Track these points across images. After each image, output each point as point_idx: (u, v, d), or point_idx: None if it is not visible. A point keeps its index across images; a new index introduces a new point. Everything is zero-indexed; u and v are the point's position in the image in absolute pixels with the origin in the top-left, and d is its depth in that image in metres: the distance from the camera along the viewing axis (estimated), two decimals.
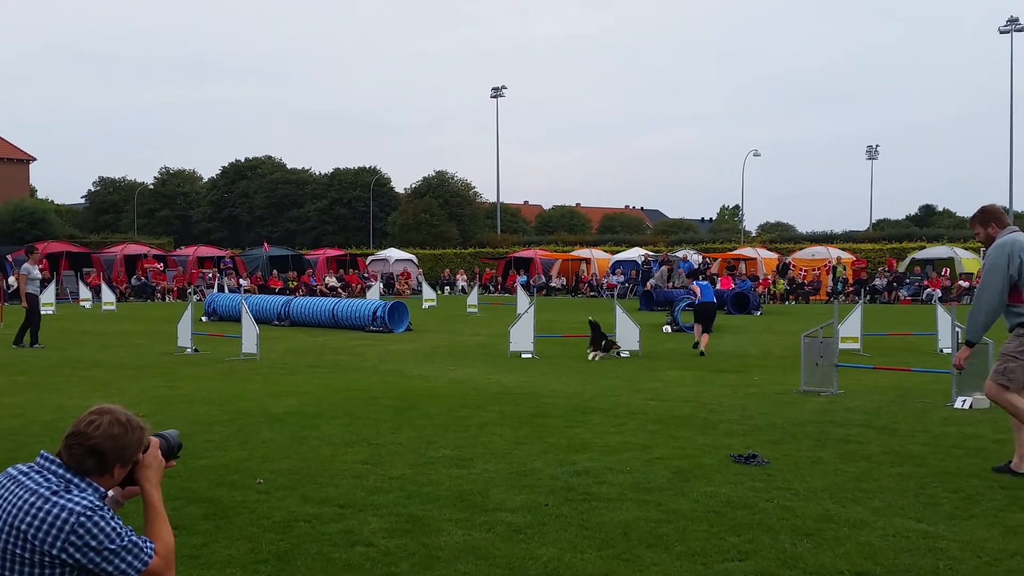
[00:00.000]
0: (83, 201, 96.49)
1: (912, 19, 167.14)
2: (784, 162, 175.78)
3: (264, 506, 6.42)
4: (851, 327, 16.74)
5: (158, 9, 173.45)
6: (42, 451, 2.89)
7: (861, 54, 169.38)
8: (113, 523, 2.74)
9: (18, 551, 2.69)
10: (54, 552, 2.66)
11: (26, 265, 18.71)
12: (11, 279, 36.86)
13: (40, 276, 19.06)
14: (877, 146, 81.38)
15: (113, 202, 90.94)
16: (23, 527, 2.70)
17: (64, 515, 2.68)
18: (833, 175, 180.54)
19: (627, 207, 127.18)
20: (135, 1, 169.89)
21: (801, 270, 42.01)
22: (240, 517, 6.16)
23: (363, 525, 5.96)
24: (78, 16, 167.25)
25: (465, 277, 50.00)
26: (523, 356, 16.13)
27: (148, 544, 2.84)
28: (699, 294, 18.19)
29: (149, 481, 2.99)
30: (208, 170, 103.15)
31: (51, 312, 28.71)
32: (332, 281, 43.42)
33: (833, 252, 43.28)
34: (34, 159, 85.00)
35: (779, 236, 68.80)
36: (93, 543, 2.67)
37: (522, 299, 28.26)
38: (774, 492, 6.77)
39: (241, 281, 40.64)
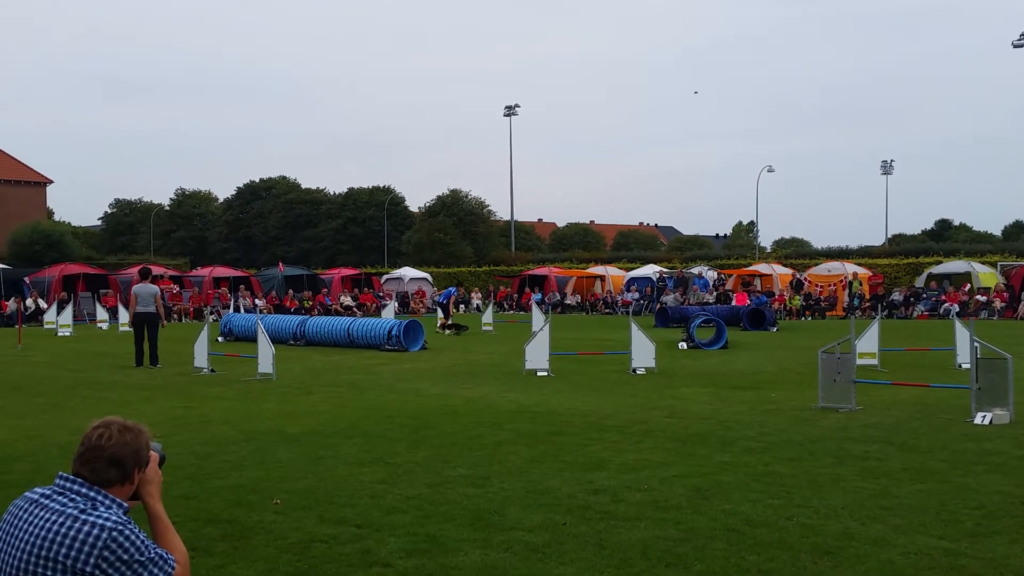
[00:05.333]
0: (100, 223, 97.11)
1: (926, 34, 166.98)
2: (799, 178, 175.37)
3: (281, 527, 6.41)
4: (868, 343, 16.66)
5: (174, 32, 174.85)
6: (60, 472, 2.90)
7: (875, 70, 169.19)
8: (141, 536, 2.79)
9: (48, 573, 2.71)
10: (88, 570, 2.68)
11: (136, 287, 19.15)
12: (28, 300, 37.12)
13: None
14: (892, 161, 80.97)
15: (129, 224, 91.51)
16: (53, 548, 2.72)
17: (96, 531, 2.72)
18: (848, 190, 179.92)
19: (641, 224, 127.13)
20: (151, 24, 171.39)
21: (817, 286, 41.82)
22: (257, 538, 6.16)
23: (380, 545, 5.94)
24: (95, 39, 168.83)
25: (480, 295, 49.99)
26: (539, 374, 16.09)
27: (169, 555, 2.87)
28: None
29: (152, 496, 3.03)
30: (223, 191, 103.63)
31: (68, 334, 28.88)
32: (347, 300, 43.47)
33: (849, 267, 43.07)
34: (51, 182, 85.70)
35: (794, 252, 68.51)
36: (125, 556, 2.72)
37: (537, 317, 28.25)
38: (793, 510, 6.72)
39: (256, 301, 40.73)
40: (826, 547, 5.82)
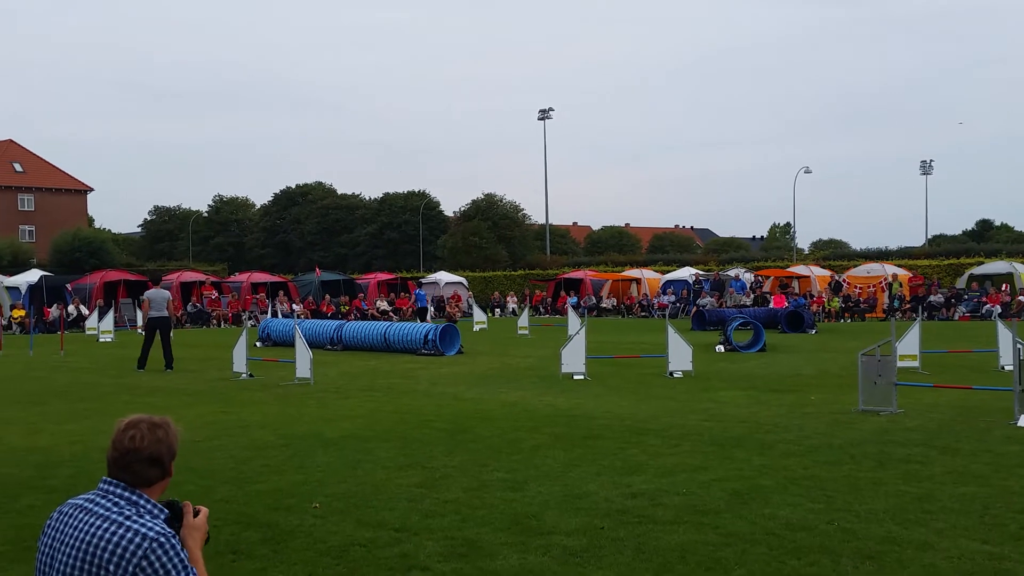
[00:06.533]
0: (139, 230, 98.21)
1: (964, 35, 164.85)
2: (836, 179, 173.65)
3: (320, 530, 6.45)
4: (909, 345, 16.47)
5: (210, 41, 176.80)
6: (104, 477, 2.92)
7: (914, 70, 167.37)
8: (182, 554, 2.76)
9: None
10: (119, 575, 2.68)
11: (149, 292, 19.84)
12: (70, 307, 37.66)
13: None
14: (931, 161, 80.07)
15: (168, 230, 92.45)
16: (96, 552, 2.73)
17: (138, 540, 2.71)
18: (887, 191, 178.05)
19: (677, 227, 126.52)
20: (188, 34, 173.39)
21: (856, 287, 41.39)
22: (297, 541, 6.20)
23: (419, 549, 5.96)
24: (134, 51, 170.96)
25: (515, 299, 49.98)
26: (575, 377, 16.07)
27: None
28: None
29: (195, 541, 3.01)
30: (260, 197, 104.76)
31: (110, 340, 29.25)
32: (383, 305, 43.64)
33: (889, 269, 42.58)
34: (91, 189, 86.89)
35: (832, 253, 67.87)
36: (162, 571, 2.69)
37: (573, 320, 28.19)
38: (834, 514, 6.66)
39: (294, 306, 41.01)
40: (868, 551, 5.76)
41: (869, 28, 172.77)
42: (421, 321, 31.05)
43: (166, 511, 2.89)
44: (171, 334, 19.36)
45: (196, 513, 3.02)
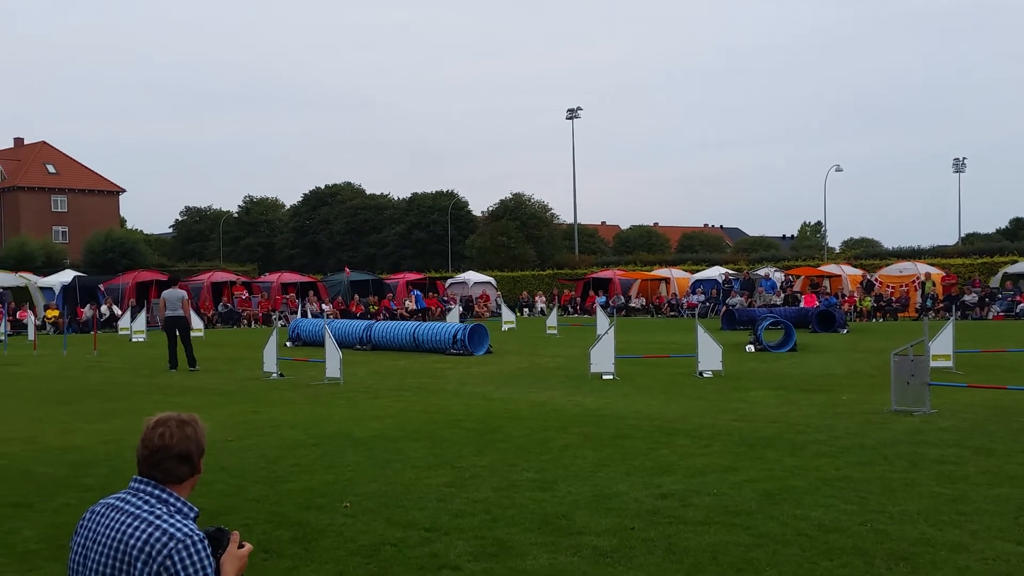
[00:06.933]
0: (171, 230, 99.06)
1: (997, 31, 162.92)
2: (868, 177, 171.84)
3: (351, 529, 6.48)
4: (943, 344, 16.30)
5: (237, 42, 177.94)
6: (135, 476, 2.94)
7: (946, 66, 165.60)
8: (209, 560, 2.75)
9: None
10: (146, 573, 2.68)
11: (164, 292, 20.19)
12: (103, 307, 38.05)
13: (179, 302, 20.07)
14: (964, 159, 79.20)
15: (199, 231, 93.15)
16: (124, 550, 2.75)
17: (164, 539, 2.72)
18: (919, 189, 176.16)
19: (706, 225, 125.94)
20: (215, 34, 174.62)
21: (888, 286, 41.02)
22: (328, 540, 6.23)
23: (449, 549, 5.97)
24: (164, 54, 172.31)
25: (544, 299, 49.97)
26: (604, 377, 16.03)
27: None
28: None
29: (233, 569, 3.01)
30: (290, 198, 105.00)
31: (142, 340, 29.53)
32: (412, 305, 43.77)
33: (921, 268, 42.18)
34: (123, 191, 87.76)
35: (864, 252, 67.27)
36: (183, 572, 2.69)
37: (602, 320, 28.15)
38: (867, 515, 6.60)
39: (323, 306, 41.21)
40: (901, 553, 5.71)
41: (901, 24, 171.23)
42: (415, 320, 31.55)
43: (196, 510, 2.90)
44: (189, 333, 19.46)
45: (241, 546, 3.02)
